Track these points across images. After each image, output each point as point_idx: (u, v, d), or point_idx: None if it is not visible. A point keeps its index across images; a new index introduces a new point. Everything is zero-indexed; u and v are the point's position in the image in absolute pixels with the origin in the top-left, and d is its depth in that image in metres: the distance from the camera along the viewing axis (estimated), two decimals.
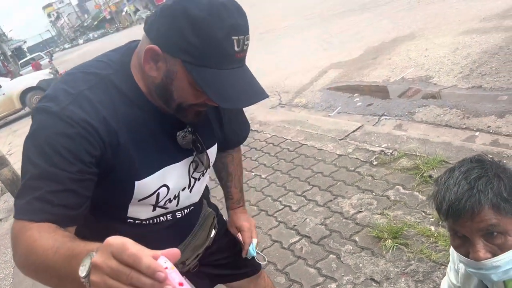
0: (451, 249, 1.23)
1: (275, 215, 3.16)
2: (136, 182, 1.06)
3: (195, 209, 1.34)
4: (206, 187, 1.45)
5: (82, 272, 0.65)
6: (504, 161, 1.07)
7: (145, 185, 1.08)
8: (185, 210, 1.27)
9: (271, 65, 7.46)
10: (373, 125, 4.19)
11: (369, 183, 3.10)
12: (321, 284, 2.35)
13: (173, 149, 1.12)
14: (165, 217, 1.22)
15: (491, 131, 3.43)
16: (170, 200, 1.18)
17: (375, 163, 3.33)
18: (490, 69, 4.34)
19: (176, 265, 1.30)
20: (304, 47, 7.67)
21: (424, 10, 6.88)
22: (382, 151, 3.46)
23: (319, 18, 8.96)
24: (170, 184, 1.14)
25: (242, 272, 1.64)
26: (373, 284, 2.22)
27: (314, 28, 8.61)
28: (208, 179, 1.36)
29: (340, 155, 3.66)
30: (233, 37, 0.90)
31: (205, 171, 1.25)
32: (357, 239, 2.59)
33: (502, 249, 0.99)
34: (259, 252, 1.54)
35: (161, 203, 1.17)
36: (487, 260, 0.99)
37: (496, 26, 5.27)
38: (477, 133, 3.46)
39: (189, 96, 0.99)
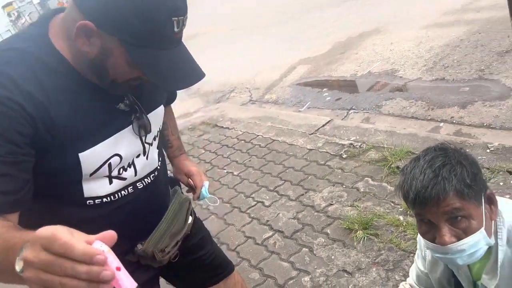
0: (419, 237, 1.26)
1: (248, 211, 3.17)
2: (79, 155, 1.02)
3: (157, 180, 1.28)
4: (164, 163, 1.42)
5: (18, 267, 0.61)
6: (467, 150, 1.11)
7: (91, 156, 1.04)
8: (146, 180, 1.23)
9: (241, 61, 7.45)
10: (342, 119, 4.25)
11: (339, 176, 3.15)
12: (295, 277, 2.37)
13: (114, 116, 1.09)
14: (126, 190, 1.17)
15: (454, 121, 3.54)
16: (124, 169, 1.15)
17: (344, 156, 3.38)
18: (452, 62, 4.48)
19: (155, 252, 1.28)
20: (273, 44, 7.69)
21: (390, 5, 7.02)
22: (351, 144, 3.52)
23: (290, 14, 8.99)
24: (122, 152, 1.11)
25: (219, 273, 1.63)
26: (345, 275, 2.26)
27: (284, 24, 8.64)
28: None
29: (310, 150, 3.70)
30: (173, 19, 0.92)
31: (156, 134, 1.24)
32: (329, 231, 2.63)
33: (467, 232, 1.03)
34: (212, 194, 1.52)
35: (115, 173, 1.12)
36: (453, 244, 1.03)
37: (457, 20, 5.44)
38: (441, 124, 3.57)
39: (125, 73, 0.98)
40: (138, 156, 1.18)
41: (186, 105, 6.51)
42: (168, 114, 1.53)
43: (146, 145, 1.20)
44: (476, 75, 4.06)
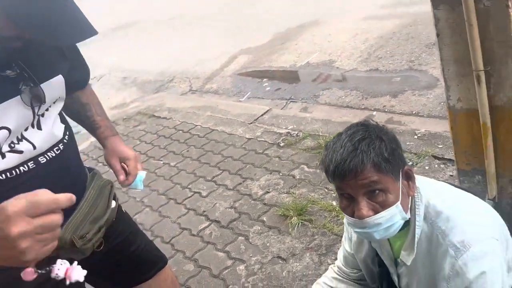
0: (345, 219, 1.26)
1: (184, 202, 3.07)
2: None
3: (65, 155, 1.18)
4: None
5: None
6: (398, 137, 1.12)
7: None
8: (49, 154, 1.12)
9: (181, 51, 7.25)
10: (281, 109, 4.27)
11: (277, 164, 3.15)
12: (230, 267, 2.33)
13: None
14: (26, 166, 1.07)
15: (386, 110, 3.67)
16: (15, 142, 1.04)
17: (282, 144, 3.39)
18: (385, 53, 4.65)
19: (75, 239, 1.16)
20: (214, 33, 7.57)
21: None
22: (289, 132, 3.53)
23: (230, 4, 8.89)
24: (10, 125, 1.00)
25: (150, 269, 1.54)
26: (280, 261, 2.25)
27: (224, 14, 8.53)
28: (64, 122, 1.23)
29: (249, 139, 3.67)
30: None
31: (50, 106, 1.13)
32: (265, 219, 2.61)
33: (383, 206, 1.04)
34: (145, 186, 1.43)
35: (6, 148, 1.02)
36: (370, 218, 1.03)
37: (391, 13, 5.66)
38: (374, 113, 3.69)
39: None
40: (26, 129, 1.07)
41: (122, 95, 6.23)
42: (89, 95, 1.43)
43: (37, 117, 1.09)
44: (407, 66, 4.24)
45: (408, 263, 1.14)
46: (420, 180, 1.17)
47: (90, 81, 1.44)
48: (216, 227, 2.69)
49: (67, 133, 1.23)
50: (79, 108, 1.39)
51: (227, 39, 7.05)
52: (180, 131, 4.23)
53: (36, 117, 1.08)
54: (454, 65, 1.62)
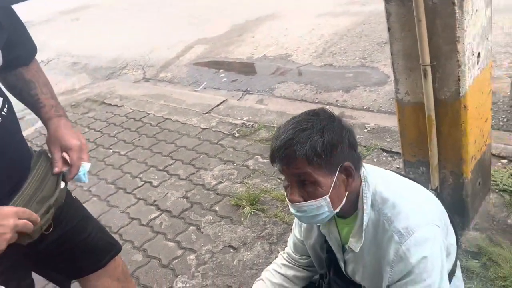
0: None
1: (134, 192, 2.98)
2: None
3: (1, 129, 1.09)
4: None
5: None
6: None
7: None
8: None
9: (135, 38, 7.02)
10: (237, 100, 4.25)
11: (231, 155, 3.14)
12: (180, 256, 2.29)
13: None
14: None
15: (338, 104, 3.76)
16: None
17: (237, 135, 3.38)
18: (339, 49, 4.76)
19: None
20: (170, 22, 7.40)
21: None
22: (244, 123, 3.53)
23: None
24: None
25: (105, 255, 1.48)
26: (231, 250, 2.24)
27: (181, 2, 8.36)
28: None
29: (204, 129, 3.62)
30: None
31: None
32: (217, 208, 2.59)
33: (312, 197, 1.06)
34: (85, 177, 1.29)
35: None
36: (297, 203, 1.08)
37: (346, 11, 5.80)
38: (327, 107, 3.76)
39: None
40: None
41: (71, 81, 5.95)
42: (35, 73, 1.31)
43: None
44: (359, 62, 4.36)
45: (357, 250, 1.16)
46: (369, 169, 1.19)
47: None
48: (167, 217, 2.64)
49: (6, 106, 1.14)
50: (23, 85, 1.28)
51: (184, 28, 6.92)
52: (132, 119, 4.09)
53: None
54: (403, 59, 1.68)
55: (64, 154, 1.20)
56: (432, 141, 1.73)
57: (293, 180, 1.07)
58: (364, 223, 1.13)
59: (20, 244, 1.10)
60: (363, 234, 1.14)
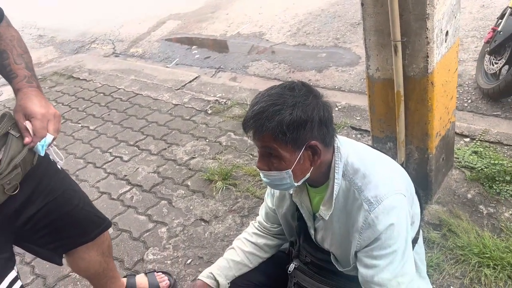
0: None
1: (104, 166, 2.94)
2: None
3: None
4: None
5: None
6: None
7: None
8: None
9: (105, 11, 6.78)
10: (210, 77, 4.21)
11: (203, 131, 3.12)
12: (151, 229, 2.29)
13: None
14: None
15: (311, 84, 3.79)
16: None
17: (209, 111, 3.36)
18: (313, 29, 4.78)
19: None
20: None
21: None
22: (217, 100, 3.51)
23: None
24: None
25: (94, 229, 1.48)
26: (203, 223, 2.26)
27: None
28: None
29: (176, 105, 3.58)
30: None
31: None
32: (189, 183, 2.59)
33: (276, 168, 1.11)
34: (58, 151, 1.25)
35: None
36: (262, 171, 1.14)
37: None
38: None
39: None
40: None
41: (37, 54, 5.71)
42: (8, 41, 1.25)
43: None
44: (332, 43, 4.40)
45: (326, 218, 1.20)
46: (342, 141, 1.21)
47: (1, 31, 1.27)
48: (137, 191, 2.62)
49: None
50: None
51: (155, 2, 6.74)
52: (101, 94, 3.99)
53: None
54: (375, 35, 1.71)
55: (27, 123, 1.14)
56: (400, 116, 1.79)
57: (261, 149, 1.11)
58: (335, 192, 1.16)
59: None
60: (333, 202, 1.17)
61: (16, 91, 1.21)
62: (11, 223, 1.22)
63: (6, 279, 1.22)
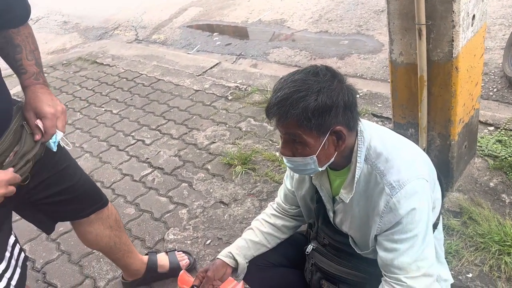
0: None
1: (126, 149, 3.00)
2: None
3: None
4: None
5: None
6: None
7: None
8: None
9: None
10: (231, 64, 4.22)
11: (224, 116, 3.15)
12: (172, 211, 2.35)
13: None
14: None
15: None
16: None
17: (230, 97, 3.38)
18: (335, 16, 4.72)
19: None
20: None
21: None
22: (237, 86, 3.53)
23: None
24: None
25: (92, 204, 1.54)
26: (222, 206, 2.30)
27: None
28: None
29: (197, 90, 3.62)
30: None
31: None
32: (209, 167, 2.63)
33: (300, 154, 1.11)
34: (65, 139, 1.32)
35: None
36: (286, 157, 1.14)
37: None
38: None
39: None
40: None
41: (62, 40, 5.83)
42: (25, 38, 1.30)
43: None
44: (355, 30, 4.34)
45: (347, 201, 1.20)
46: (365, 124, 1.21)
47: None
48: (159, 174, 2.68)
49: None
50: (10, 49, 1.28)
51: None
52: (124, 79, 4.06)
53: None
54: (399, 18, 1.69)
55: (38, 121, 1.20)
56: (423, 102, 1.77)
57: (284, 135, 1.11)
58: (356, 176, 1.16)
59: None
60: (354, 186, 1.17)
61: (24, 87, 1.28)
62: (15, 194, 1.28)
63: (8, 243, 1.30)
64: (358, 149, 1.16)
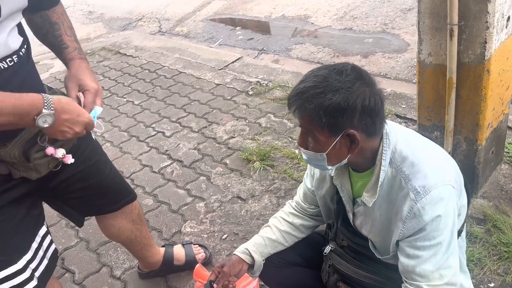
0: None
1: (146, 140, 3.03)
2: None
3: (18, 68, 1.12)
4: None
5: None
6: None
7: None
8: (0, 65, 1.07)
9: None
10: (253, 58, 4.21)
11: (244, 111, 3.14)
12: (190, 203, 2.35)
13: None
14: None
15: None
16: None
17: (250, 92, 3.37)
18: (360, 13, 4.64)
19: (20, 156, 1.12)
20: None
21: None
22: (258, 82, 3.51)
23: None
24: None
25: (120, 199, 1.55)
26: (239, 201, 2.30)
27: None
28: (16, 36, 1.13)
29: (218, 84, 3.61)
30: None
31: (7, 17, 1.06)
32: (228, 161, 2.63)
33: (312, 149, 1.11)
34: (99, 122, 1.30)
35: None
36: (301, 149, 1.15)
37: None
38: None
39: None
40: None
41: (87, 30, 5.90)
42: (60, 15, 1.32)
43: None
44: (380, 28, 4.26)
45: (369, 205, 1.17)
46: (391, 126, 1.17)
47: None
48: (178, 166, 2.69)
49: (25, 46, 1.16)
50: (48, 27, 1.29)
51: None
52: (146, 71, 4.09)
53: None
54: (429, 17, 1.64)
55: (80, 94, 1.20)
56: (450, 104, 1.72)
57: (300, 126, 1.12)
58: (380, 179, 1.13)
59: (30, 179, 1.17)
60: (378, 189, 1.14)
61: (68, 60, 1.27)
62: (45, 184, 1.29)
63: (38, 234, 1.30)
64: (383, 152, 1.13)
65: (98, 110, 1.21)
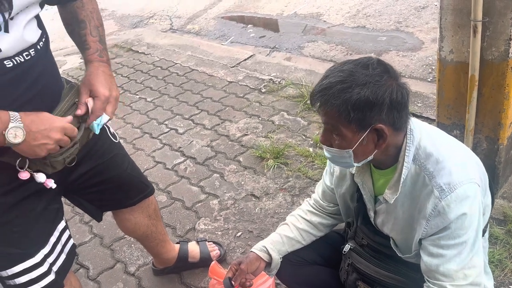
0: None
1: (159, 137, 3.03)
2: None
3: (36, 62, 1.11)
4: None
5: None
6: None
7: None
8: (17, 59, 1.06)
9: None
10: (265, 56, 4.19)
11: (257, 109, 3.13)
12: (203, 201, 2.35)
13: None
14: None
15: None
16: None
17: (263, 90, 3.35)
18: (374, 11, 4.59)
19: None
20: None
21: None
22: (271, 79, 3.49)
23: None
24: None
25: (138, 193, 1.55)
26: (253, 199, 2.28)
27: None
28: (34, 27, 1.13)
29: (230, 82, 3.60)
30: None
31: (22, 10, 1.05)
32: (241, 159, 2.62)
33: (337, 146, 1.09)
34: (114, 132, 1.30)
35: None
36: (324, 146, 1.13)
37: None
38: None
39: None
40: None
41: None
42: (89, 13, 1.29)
43: (5, 20, 1.01)
44: (394, 26, 4.21)
45: (391, 202, 1.15)
46: (415, 123, 1.15)
47: None
48: (191, 163, 2.68)
49: (43, 39, 1.15)
50: (75, 25, 1.28)
51: None
52: (159, 68, 4.09)
53: (3, 20, 1.00)
54: (452, 14, 1.61)
55: (89, 100, 1.17)
56: (472, 103, 1.69)
57: (325, 124, 1.09)
58: (403, 176, 1.11)
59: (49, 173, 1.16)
60: (400, 186, 1.12)
61: (87, 62, 1.26)
62: (64, 178, 1.28)
63: (57, 228, 1.30)
64: (407, 148, 1.11)
65: (104, 118, 1.18)
